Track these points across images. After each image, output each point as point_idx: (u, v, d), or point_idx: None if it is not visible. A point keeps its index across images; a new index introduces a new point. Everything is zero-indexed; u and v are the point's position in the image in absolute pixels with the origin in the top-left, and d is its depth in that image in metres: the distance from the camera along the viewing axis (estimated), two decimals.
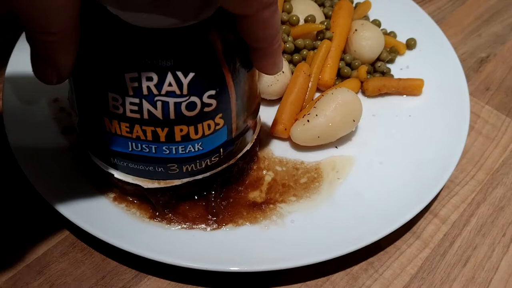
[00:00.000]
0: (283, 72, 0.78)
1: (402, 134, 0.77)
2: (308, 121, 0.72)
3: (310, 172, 0.73)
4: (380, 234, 0.64)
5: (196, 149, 0.56)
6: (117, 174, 0.60)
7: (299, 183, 0.71)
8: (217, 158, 0.60)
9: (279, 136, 0.75)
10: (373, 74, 0.85)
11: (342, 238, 0.64)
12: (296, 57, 0.83)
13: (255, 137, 0.67)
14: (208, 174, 0.61)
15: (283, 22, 0.84)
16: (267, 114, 0.78)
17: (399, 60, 0.88)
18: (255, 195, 0.69)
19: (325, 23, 0.85)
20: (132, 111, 0.51)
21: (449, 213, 0.72)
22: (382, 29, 0.91)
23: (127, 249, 0.60)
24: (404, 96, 0.83)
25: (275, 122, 0.75)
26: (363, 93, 0.83)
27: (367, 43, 0.83)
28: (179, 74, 0.49)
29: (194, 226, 0.65)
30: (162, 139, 0.54)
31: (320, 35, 0.84)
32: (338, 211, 0.68)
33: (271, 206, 0.68)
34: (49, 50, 0.46)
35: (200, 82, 0.50)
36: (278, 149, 0.76)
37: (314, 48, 0.84)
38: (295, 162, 0.74)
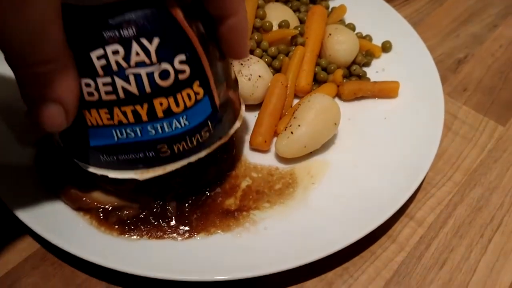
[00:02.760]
0: (259, 76, 0.77)
1: (377, 137, 0.77)
2: (291, 133, 0.72)
3: (284, 178, 0.72)
4: (354, 238, 0.64)
5: (183, 124, 0.55)
6: (112, 174, 0.58)
7: (273, 189, 0.71)
8: (207, 133, 0.58)
9: (259, 148, 0.75)
10: (349, 77, 0.85)
11: (315, 243, 0.63)
12: (276, 63, 0.82)
13: (242, 115, 0.66)
14: (202, 154, 0.60)
15: (256, 29, 0.84)
16: (246, 120, 0.78)
17: (375, 63, 0.88)
18: (230, 203, 0.69)
19: (299, 28, 0.84)
20: (107, 92, 0.50)
21: (425, 215, 0.72)
22: (357, 33, 0.91)
23: (96, 262, 0.60)
24: (380, 99, 0.82)
25: (254, 134, 0.75)
26: (339, 97, 0.83)
27: (341, 47, 0.83)
28: (144, 41, 0.49)
29: (165, 236, 0.64)
30: (144, 117, 0.53)
31: (295, 41, 0.84)
32: (312, 216, 0.67)
33: (244, 213, 0.68)
34: (50, 83, 0.44)
35: (167, 46, 0.50)
36: (253, 155, 0.75)
37: (288, 52, 0.84)
38: (269, 168, 0.73)
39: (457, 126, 0.83)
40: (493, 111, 0.86)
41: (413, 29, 0.90)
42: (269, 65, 0.82)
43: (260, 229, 0.65)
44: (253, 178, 0.72)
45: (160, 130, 0.54)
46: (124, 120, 0.53)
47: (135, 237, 0.63)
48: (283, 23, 0.84)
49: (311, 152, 0.75)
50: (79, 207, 0.65)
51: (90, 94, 0.51)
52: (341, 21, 0.93)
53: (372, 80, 0.85)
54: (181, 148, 0.57)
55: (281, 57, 0.83)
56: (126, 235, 0.63)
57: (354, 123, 0.79)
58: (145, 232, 0.64)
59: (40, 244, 0.65)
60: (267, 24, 0.83)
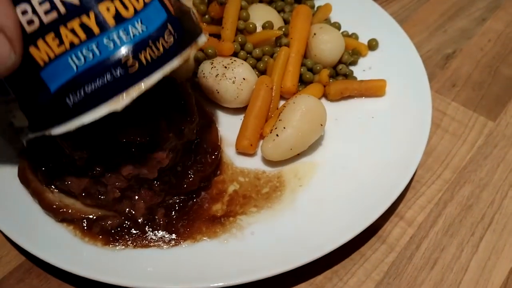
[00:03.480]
0: (244, 79, 0.77)
1: (365, 136, 0.76)
2: (277, 135, 0.71)
3: (272, 181, 0.72)
4: (342, 241, 0.63)
5: (140, 30, 0.51)
6: (86, 117, 0.51)
7: (260, 194, 0.70)
8: (171, 38, 0.53)
9: (245, 152, 0.74)
10: (336, 77, 0.84)
11: (303, 247, 0.62)
12: (261, 65, 0.82)
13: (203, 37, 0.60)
14: (175, 63, 0.54)
15: (240, 31, 0.83)
16: (233, 123, 0.78)
17: (361, 61, 0.87)
18: (217, 208, 0.68)
19: (283, 29, 0.83)
20: (46, 12, 0.48)
21: (415, 215, 0.71)
22: (343, 31, 0.90)
23: (82, 275, 0.59)
24: (368, 98, 0.81)
25: (239, 138, 0.74)
26: (326, 97, 0.82)
27: (326, 46, 0.82)
28: None
29: (150, 245, 0.63)
30: (96, 30, 0.49)
31: (279, 41, 0.83)
32: (299, 219, 0.67)
33: (231, 219, 0.67)
34: None
35: None
36: (240, 158, 0.74)
37: (273, 53, 0.83)
38: (256, 172, 0.73)
39: (446, 123, 0.83)
40: (483, 106, 0.85)
41: (399, 26, 0.89)
42: (254, 67, 0.81)
43: (247, 234, 0.65)
44: (240, 182, 0.71)
45: (118, 41, 0.50)
46: (76, 40, 0.49)
47: (120, 247, 0.62)
48: (266, 24, 0.83)
49: (298, 154, 0.74)
50: (63, 218, 0.64)
51: (30, 22, 0.48)
52: (327, 20, 0.92)
53: (359, 79, 0.84)
54: (148, 58, 0.52)
55: (266, 59, 0.82)
56: (111, 245, 0.62)
57: (341, 123, 0.78)
58: (130, 242, 0.63)
59: (25, 256, 0.64)
60: (251, 25, 0.82)
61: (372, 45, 0.88)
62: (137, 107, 0.63)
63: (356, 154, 0.74)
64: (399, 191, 0.67)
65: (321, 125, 0.73)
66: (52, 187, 0.65)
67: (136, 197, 0.64)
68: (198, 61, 0.82)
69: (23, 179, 0.67)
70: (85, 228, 0.64)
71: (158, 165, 0.63)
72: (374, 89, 0.81)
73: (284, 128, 0.71)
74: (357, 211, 0.66)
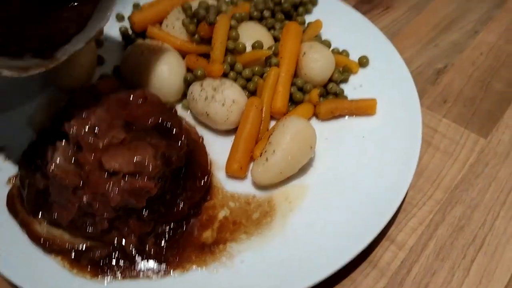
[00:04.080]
0: (233, 101, 0.76)
1: (355, 157, 0.76)
2: (267, 159, 0.71)
3: (262, 206, 0.71)
4: (333, 268, 0.62)
5: None
6: None
7: (251, 220, 0.69)
8: None
9: (235, 175, 0.74)
10: (326, 96, 0.83)
11: (293, 275, 0.62)
12: (251, 85, 0.81)
13: None
14: None
15: (229, 51, 0.82)
16: (223, 145, 0.77)
17: (352, 79, 0.87)
18: (207, 235, 0.68)
19: (273, 48, 0.83)
20: None
21: (406, 238, 0.70)
22: (334, 49, 0.90)
23: None
24: (358, 116, 0.81)
25: (229, 162, 0.74)
26: (317, 116, 0.82)
27: (316, 65, 0.82)
28: None
29: (139, 276, 0.63)
30: None
31: (269, 61, 0.83)
32: (290, 246, 0.66)
33: (221, 246, 0.66)
34: None
35: None
36: (230, 182, 0.74)
37: (263, 73, 0.82)
38: (247, 197, 0.72)
39: (437, 141, 0.82)
40: (474, 122, 0.85)
41: (390, 43, 0.89)
42: (244, 87, 0.81)
43: (236, 263, 0.64)
44: (230, 208, 0.71)
45: None
46: None
47: (109, 278, 0.62)
48: (256, 44, 0.82)
49: (289, 177, 0.73)
50: (51, 250, 0.64)
51: None
52: (317, 37, 0.92)
53: (350, 97, 0.83)
54: None
55: (256, 79, 0.81)
56: (100, 277, 0.62)
57: (332, 143, 0.78)
58: (119, 273, 0.63)
59: None
60: (240, 45, 0.82)
61: (363, 62, 0.87)
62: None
63: (347, 175, 0.73)
64: (390, 215, 0.66)
65: (311, 147, 0.72)
66: (39, 218, 0.65)
67: (125, 227, 0.64)
68: (187, 82, 0.81)
69: (12, 209, 0.67)
70: (74, 259, 0.63)
71: (147, 194, 0.62)
72: (364, 108, 0.80)
73: (274, 151, 0.70)
74: (349, 236, 0.66)
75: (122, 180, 0.61)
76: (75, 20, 0.65)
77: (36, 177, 0.66)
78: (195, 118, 0.81)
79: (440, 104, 0.88)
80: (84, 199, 0.61)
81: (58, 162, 0.62)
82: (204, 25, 0.83)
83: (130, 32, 0.92)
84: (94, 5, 0.66)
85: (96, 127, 0.65)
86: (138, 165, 0.62)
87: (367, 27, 0.93)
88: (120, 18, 0.95)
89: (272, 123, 0.80)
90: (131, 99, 0.70)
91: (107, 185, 0.61)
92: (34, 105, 0.81)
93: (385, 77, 0.85)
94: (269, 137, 0.74)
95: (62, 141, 0.64)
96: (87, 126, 0.64)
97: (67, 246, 0.64)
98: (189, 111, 0.82)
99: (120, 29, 0.93)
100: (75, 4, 0.64)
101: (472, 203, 0.74)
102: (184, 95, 0.83)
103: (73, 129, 0.64)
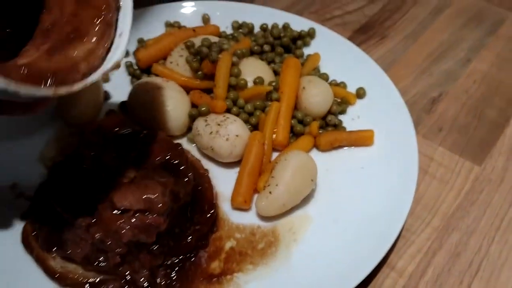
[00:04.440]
0: (237, 136, 0.80)
1: (355, 187, 0.79)
2: (270, 192, 0.74)
3: (267, 236, 0.74)
4: None
5: None
6: None
7: (256, 250, 0.72)
8: None
9: (240, 208, 0.77)
10: (326, 127, 0.87)
11: None
12: (253, 119, 0.85)
13: None
14: None
15: (232, 86, 0.86)
16: (227, 177, 0.81)
17: (350, 110, 0.90)
18: (215, 266, 0.70)
19: (273, 83, 0.87)
20: None
21: (406, 265, 0.73)
22: (331, 81, 0.94)
23: None
24: (357, 147, 0.85)
25: (234, 195, 0.77)
26: (317, 147, 0.85)
27: (315, 100, 0.85)
28: None
29: None
30: None
31: (270, 96, 0.86)
32: (294, 275, 0.69)
33: (228, 277, 0.69)
34: None
35: None
36: (235, 213, 0.77)
37: (265, 107, 0.86)
38: (252, 227, 0.75)
39: (434, 169, 0.85)
40: (469, 150, 0.88)
41: (385, 74, 0.93)
42: (246, 121, 0.85)
43: None
44: (236, 239, 0.74)
45: None
46: None
47: None
48: (257, 80, 0.86)
49: (291, 208, 0.76)
50: (66, 283, 0.67)
51: None
52: (316, 69, 0.95)
53: (348, 128, 0.87)
54: None
55: (258, 113, 0.85)
56: None
57: (332, 174, 0.81)
58: None
59: None
60: (242, 81, 0.86)
61: (360, 93, 0.91)
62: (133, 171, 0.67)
63: (347, 205, 0.77)
64: (391, 243, 0.69)
65: (312, 180, 0.76)
66: (53, 254, 0.68)
67: (137, 261, 0.67)
68: (192, 117, 0.85)
69: (26, 245, 0.70)
70: None
71: (156, 230, 0.66)
72: (362, 139, 0.84)
73: (277, 185, 0.74)
74: (351, 265, 0.69)
75: (133, 217, 0.64)
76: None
77: (48, 215, 0.69)
78: (200, 151, 0.84)
79: (435, 133, 0.91)
80: (97, 236, 0.64)
81: (71, 201, 0.66)
82: (207, 62, 0.87)
83: (135, 67, 0.96)
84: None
85: (107, 166, 0.68)
86: (148, 203, 0.65)
87: (363, 59, 0.97)
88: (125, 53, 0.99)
89: (274, 154, 0.84)
90: (138, 138, 0.73)
91: (119, 222, 0.64)
92: (44, 139, 0.84)
93: (382, 107, 0.89)
94: (271, 170, 0.77)
95: (74, 181, 0.67)
96: (99, 165, 0.68)
97: (81, 280, 0.67)
98: (194, 144, 0.86)
99: (125, 64, 0.97)
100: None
101: (468, 230, 0.77)
102: (189, 129, 0.87)
103: (85, 166, 0.68)
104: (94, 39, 0.62)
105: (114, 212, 0.65)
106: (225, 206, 0.78)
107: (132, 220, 0.64)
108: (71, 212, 0.65)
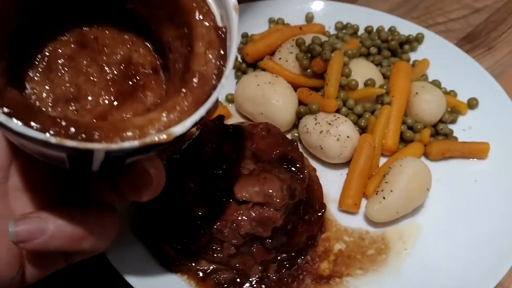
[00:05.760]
0: (348, 137, 0.79)
1: (468, 201, 0.76)
2: (384, 198, 0.72)
3: (377, 243, 0.72)
4: None
5: None
6: None
7: (366, 255, 0.71)
8: None
9: (348, 210, 0.76)
10: (436, 136, 0.84)
11: None
12: (362, 122, 0.83)
13: None
14: None
15: (342, 87, 0.84)
16: (333, 178, 0.80)
17: (461, 120, 0.87)
18: (324, 267, 0.70)
19: (385, 87, 0.85)
20: None
21: None
22: (442, 88, 0.91)
23: None
24: (469, 159, 0.81)
25: (343, 196, 0.76)
26: (426, 156, 0.82)
27: (428, 106, 0.83)
28: None
29: None
30: None
31: (381, 99, 0.84)
32: (405, 285, 0.67)
33: (337, 280, 0.68)
34: None
35: None
36: (342, 216, 0.76)
37: (374, 110, 0.84)
38: (360, 232, 0.74)
39: None
40: None
41: (498, 84, 0.89)
42: (355, 123, 0.83)
43: None
44: (346, 242, 0.72)
45: None
46: None
47: None
48: (369, 82, 0.84)
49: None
50: (178, 269, 0.67)
51: None
52: (424, 76, 0.93)
53: (459, 138, 0.84)
54: None
55: (367, 116, 0.83)
56: None
57: (443, 184, 0.78)
58: None
59: None
60: (353, 82, 0.84)
61: (473, 104, 0.88)
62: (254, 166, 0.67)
63: (459, 219, 0.74)
64: (510, 266, 0.66)
65: (427, 189, 0.74)
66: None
67: (250, 254, 0.66)
68: (299, 115, 0.84)
69: (138, 232, 0.71)
70: (201, 279, 0.66)
71: (272, 224, 0.65)
72: (476, 152, 0.81)
73: (391, 191, 0.72)
74: (465, 284, 0.66)
75: (251, 210, 0.64)
76: None
77: (164, 203, 0.69)
78: (305, 149, 0.83)
79: None
80: (215, 225, 0.64)
81: (191, 189, 0.66)
82: (318, 60, 0.86)
83: (240, 61, 0.96)
84: None
85: (227, 156, 0.68)
86: (267, 196, 0.64)
87: (474, 67, 0.93)
88: None
89: (382, 159, 0.82)
90: (255, 131, 0.73)
91: (238, 213, 0.64)
92: None
93: (497, 120, 0.85)
94: (384, 175, 0.75)
95: (194, 170, 0.67)
96: (220, 155, 0.68)
97: (194, 267, 0.67)
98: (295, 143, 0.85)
99: None
100: None
101: None
102: (294, 126, 0.86)
103: (207, 155, 0.68)
104: None
105: (233, 203, 0.64)
106: (331, 207, 0.77)
107: (251, 213, 0.64)
108: (191, 201, 0.65)
